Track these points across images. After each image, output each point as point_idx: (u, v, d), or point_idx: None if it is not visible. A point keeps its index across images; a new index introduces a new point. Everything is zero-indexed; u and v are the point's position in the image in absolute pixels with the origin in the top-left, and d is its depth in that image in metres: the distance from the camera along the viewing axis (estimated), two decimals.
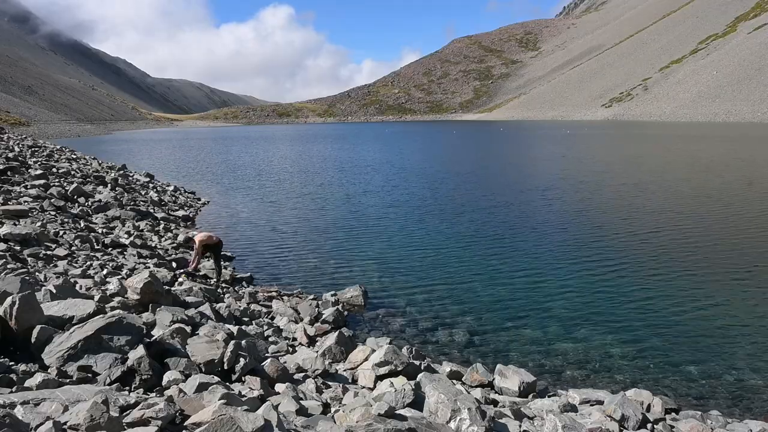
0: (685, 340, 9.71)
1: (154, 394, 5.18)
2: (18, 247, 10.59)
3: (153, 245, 14.96)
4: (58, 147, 42.63)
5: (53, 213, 15.36)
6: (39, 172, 21.14)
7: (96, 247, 12.97)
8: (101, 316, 6.18)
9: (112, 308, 7.52)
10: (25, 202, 15.64)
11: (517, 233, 18.30)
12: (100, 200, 19.32)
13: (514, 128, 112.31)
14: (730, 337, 9.81)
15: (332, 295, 11.86)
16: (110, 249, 13.25)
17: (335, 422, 5.08)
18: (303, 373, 7.25)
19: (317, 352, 8.19)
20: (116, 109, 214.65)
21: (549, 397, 7.43)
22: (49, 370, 5.32)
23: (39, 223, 13.19)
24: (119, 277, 9.94)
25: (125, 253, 13.27)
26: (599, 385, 8.15)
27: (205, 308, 8.82)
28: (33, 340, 5.68)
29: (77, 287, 8.36)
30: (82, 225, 15.14)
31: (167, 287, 9.51)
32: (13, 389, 4.67)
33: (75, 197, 18.65)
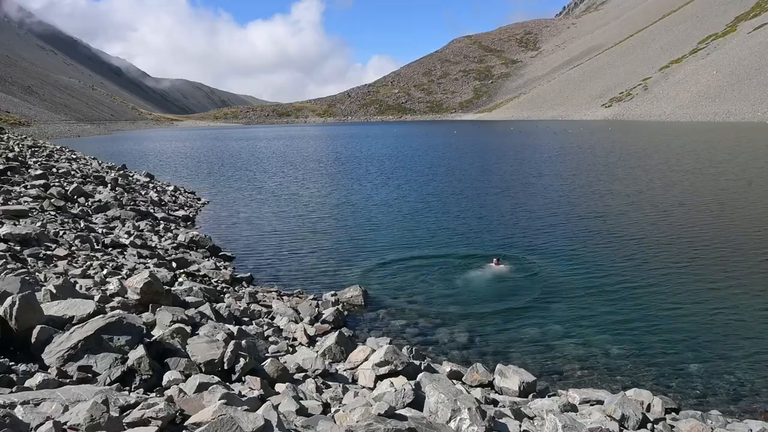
0: (685, 340, 9.71)
1: (154, 394, 5.18)
2: (18, 247, 10.58)
3: (153, 245, 14.95)
4: (58, 147, 42.63)
5: (53, 213, 15.35)
6: (39, 172, 21.13)
7: (96, 247, 12.96)
8: (101, 316, 6.17)
9: (112, 308, 7.51)
10: (25, 202, 15.63)
11: (518, 233, 18.30)
12: (100, 200, 19.32)
13: (524, 127, 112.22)
14: (730, 337, 9.81)
15: (332, 295, 11.86)
16: (110, 249, 13.24)
17: (335, 422, 5.08)
18: (303, 373, 7.25)
19: (317, 352, 8.18)
20: (116, 109, 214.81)
21: (549, 396, 7.43)
22: (49, 370, 5.32)
23: (39, 223, 13.18)
24: (119, 277, 9.93)
25: (125, 253, 13.26)
26: (599, 385, 8.15)
27: (205, 308, 8.81)
28: (33, 340, 5.67)
29: (77, 287, 8.35)
30: (82, 225, 15.13)
31: (167, 287, 9.51)
32: (13, 389, 4.66)
33: (75, 197, 18.64)
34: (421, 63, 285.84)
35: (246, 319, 9.94)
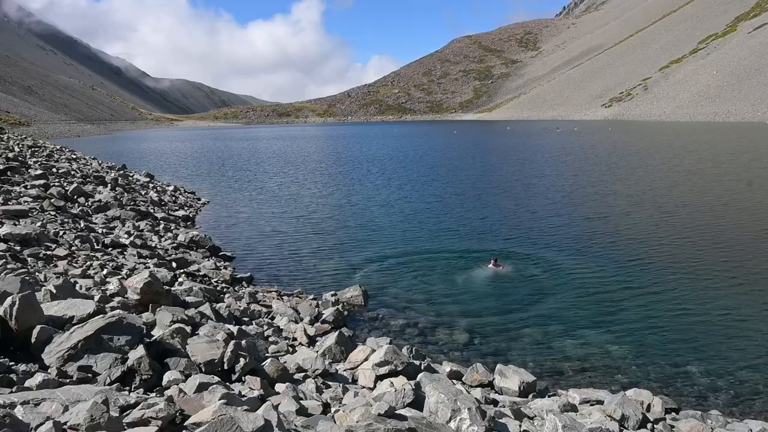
0: (685, 340, 9.71)
1: (154, 394, 5.18)
2: (18, 247, 10.58)
3: (153, 245, 14.95)
4: (58, 147, 42.63)
5: (53, 213, 15.35)
6: (39, 172, 21.13)
7: (96, 247, 12.96)
8: (101, 316, 6.17)
9: (112, 308, 7.51)
10: (25, 202, 15.63)
11: (519, 233, 18.30)
12: (100, 200, 19.32)
13: (518, 127, 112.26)
14: (730, 337, 9.81)
15: (332, 295, 11.86)
16: (110, 249, 13.24)
17: (335, 422, 5.08)
18: (303, 373, 7.25)
19: (317, 352, 8.18)
20: (116, 109, 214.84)
21: (549, 396, 7.42)
22: (49, 370, 5.32)
23: (39, 223, 13.18)
24: (119, 277, 9.93)
25: (125, 253, 13.26)
26: (599, 385, 8.15)
27: (205, 308, 8.81)
28: (33, 340, 5.67)
29: (77, 287, 8.35)
30: (82, 225, 15.13)
31: (167, 287, 9.50)
32: (13, 389, 4.66)
33: (75, 197, 18.64)
34: (421, 63, 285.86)
35: (246, 319, 9.94)
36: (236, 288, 12.48)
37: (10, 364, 5.28)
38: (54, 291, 7.14)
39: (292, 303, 11.52)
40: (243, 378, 6.04)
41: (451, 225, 19.98)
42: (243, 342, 6.86)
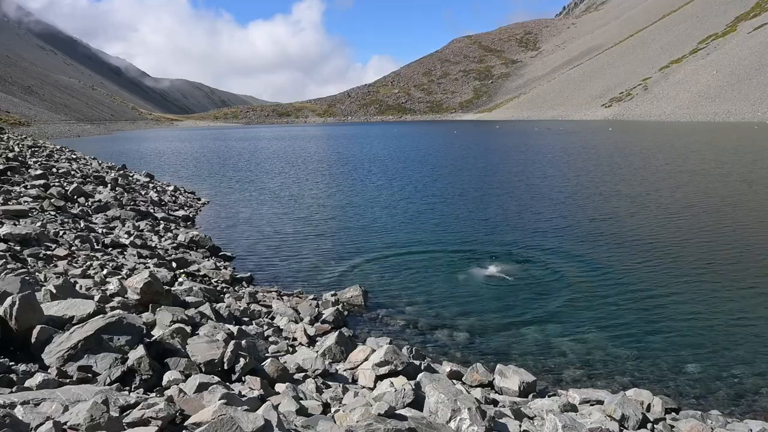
0: (685, 340, 9.71)
1: (154, 394, 5.18)
2: (18, 247, 10.58)
3: (153, 245, 14.95)
4: (58, 147, 42.64)
5: (53, 213, 15.35)
6: (39, 172, 21.13)
7: (96, 247, 12.95)
8: (101, 316, 6.17)
9: (112, 308, 7.51)
10: (25, 202, 15.63)
11: (519, 234, 18.30)
12: (100, 200, 19.32)
13: (510, 126, 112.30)
14: (730, 337, 9.81)
15: (332, 295, 11.86)
16: (110, 249, 13.23)
17: (335, 422, 5.08)
18: (303, 373, 7.24)
19: (317, 352, 8.18)
20: (116, 109, 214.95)
21: (549, 396, 7.42)
22: (49, 370, 5.32)
23: (39, 223, 13.17)
24: (119, 277, 9.92)
25: (125, 253, 13.26)
26: (599, 385, 8.14)
27: (205, 308, 8.81)
28: (33, 340, 5.67)
29: (77, 287, 8.34)
30: (82, 225, 15.13)
31: (167, 287, 9.50)
32: (13, 389, 4.66)
33: (75, 197, 18.64)
34: (421, 63, 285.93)
35: (246, 319, 9.94)
36: (236, 288, 12.48)
37: (10, 364, 5.28)
38: (54, 291, 7.14)
39: (292, 303, 11.52)
40: (243, 378, 6.04)
41: (453, 225, 19.98)
42: (243, 342, 6.86)
